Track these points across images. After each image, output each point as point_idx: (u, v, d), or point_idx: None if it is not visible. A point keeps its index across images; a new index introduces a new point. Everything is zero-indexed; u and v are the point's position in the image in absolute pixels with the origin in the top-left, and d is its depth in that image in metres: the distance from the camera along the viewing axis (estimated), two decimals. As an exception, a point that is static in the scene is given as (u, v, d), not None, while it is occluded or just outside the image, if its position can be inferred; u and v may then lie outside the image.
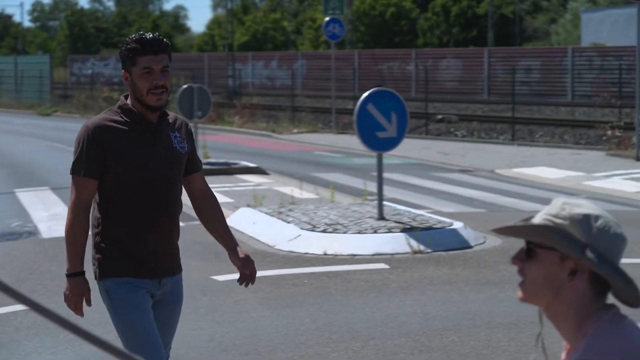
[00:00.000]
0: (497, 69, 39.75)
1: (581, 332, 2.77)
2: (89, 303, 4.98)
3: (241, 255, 5.12)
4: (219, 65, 52.39)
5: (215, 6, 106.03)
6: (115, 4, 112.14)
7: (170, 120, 5.10)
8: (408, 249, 11.31)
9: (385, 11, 59.64)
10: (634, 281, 2.73)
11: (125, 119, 4.97)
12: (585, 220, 2.76)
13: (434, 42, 56.54)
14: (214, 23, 79.82)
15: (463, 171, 20.77)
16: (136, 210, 4.92)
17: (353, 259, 10.87)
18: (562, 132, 28.83)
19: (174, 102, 20.51)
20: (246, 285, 5.17)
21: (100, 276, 4.99)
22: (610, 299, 2.76)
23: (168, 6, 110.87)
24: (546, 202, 2.73)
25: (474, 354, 7.22)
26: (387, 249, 11.15)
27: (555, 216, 2.81)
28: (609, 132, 25.03)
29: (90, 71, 57.37)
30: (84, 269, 4.95)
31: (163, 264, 5.00)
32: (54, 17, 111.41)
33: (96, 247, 5.02)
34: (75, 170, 4.98)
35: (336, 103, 34.38)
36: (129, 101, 5.01)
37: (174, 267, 5.09)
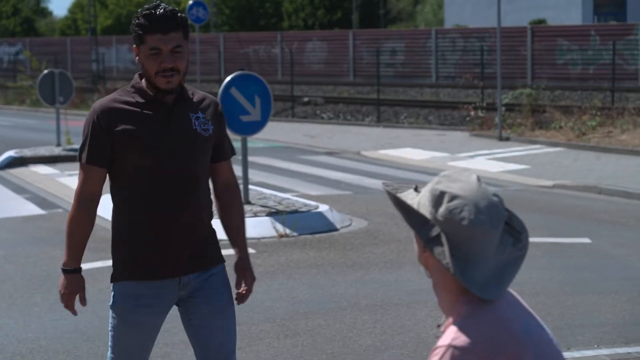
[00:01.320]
0: (362, 51, 39.94)
1: (454, 312, 2.73)
2: (83, 302, 4.49)
3: (244, 270, 4.63)
4: (82, 49, 51.34)
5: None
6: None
7: (195, 100, 4.55)
8: (274, 233, 11.31)
9: (250, -6, 59.53)
10: (469, 273, 2.68)
11: (138, 99, 4.43)
12: (439, 197, 2.71)
13: (299, 25, 56.54)
14: (77, 7, 78.23)
15: (329, 153, 20.81)
16: (149, 201, 4.39)
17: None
18: (427, 113, 29.15)
19: (36, 87, 20.07)
20: (238, 303, 4.65)
21: (111, 279, 4.51)
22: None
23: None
24: (411, 183, 2.68)
25: (339, 337, 7.21)
26: (253, 233, 11.07)
27: (426, 186, 2.78)
28: (472, 113, 25.44)
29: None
30: (81, 266, 4.48)
31: (183, 260, 4.44)
32: None
33: (112, 244, 4.55)
34: (80, 156, 4.45)
35: (202, 87, 34.13)
36: (143, 80, 4.48)
37: (201, 262, 4.50)
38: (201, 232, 4.50)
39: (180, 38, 4.39)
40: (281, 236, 11.22)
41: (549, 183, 16.05)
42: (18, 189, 15.73)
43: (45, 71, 19.85)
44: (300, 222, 11.54)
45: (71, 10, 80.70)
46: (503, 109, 22.92)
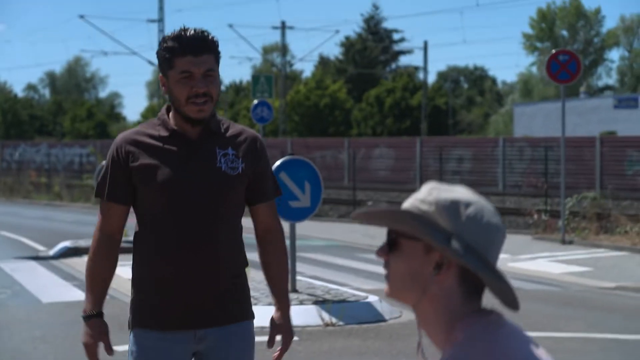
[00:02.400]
0: (429, 158, 39.75)
1: (451, 338, 2.37)
2: (108, 350, 4.08)
3: (280, 325, 4.24)
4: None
5: (150, 95, 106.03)
6: (50, 92, 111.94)
7: (228, 134, 4.17)
8: (320, 322, 10.91)
9: (320, 101, 59.82)
10: (506, 277, 2.34)
11: (161, 132, 4.09)
12: (453, 207, 2.37)
13: (367, 133, 56.69)
14: (149, 111, 79.51)
15: (388, 253, 20.43)
16: (163, 244, 4.02)
17: (262, 331, 10.40)
18: (491, 218, 28.62)
19: (93, 179, 20.05)
20: (270, 346, 4.26)
21: (128, 326, 4.15)
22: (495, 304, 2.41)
23: (103, 94, 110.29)
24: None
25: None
26: (298, 321, 10.69)
27: (422, 201, 2.43)
28: (535, 217, 24.99)
29: (18, 154, 56.69)
30: (102, 311, 4.08)
31: (197, 312, 4.06)
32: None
33: (131, 288, 4.20)
34: (98, 192, 4.14)
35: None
36: (170, 114, 4.14)
37: (220, 316, 4.10)
38: (223, 281, 4.10)
39: (212, 62, 4.05)
40: (327, 325, 10.84)
41: (611, 285, 15.58)
42: (68, 277, 15.60)
43: (104, 162, 19.85)
44: (347, 312, 11.16)
45: (144, 115, 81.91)
46: (567, 212, 22.45)
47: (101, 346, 4.10)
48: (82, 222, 27.66)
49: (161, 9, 50.47)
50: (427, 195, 2.42)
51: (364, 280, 15.59)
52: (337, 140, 45.55)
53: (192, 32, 4.02)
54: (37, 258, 18.27)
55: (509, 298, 2.40)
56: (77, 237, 20.89)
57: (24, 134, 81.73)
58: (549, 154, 31.64)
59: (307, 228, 22.44)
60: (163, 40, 4.08)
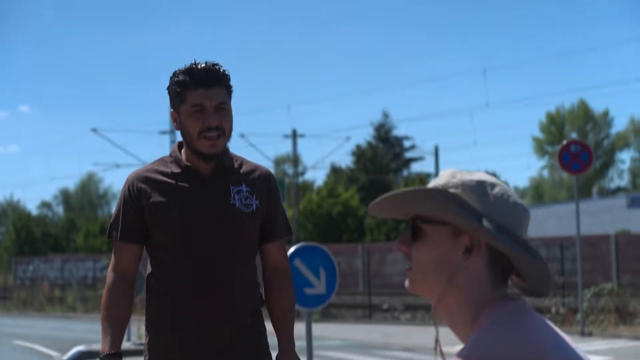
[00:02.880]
0: (443, 260, 39.55)
1: (476, 325, 2.27)
2: None
3: None
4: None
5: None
6: (64, 209, 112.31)
7: (242, 170, 4.09)
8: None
9: (332, 210, 59.82)
10: (543, 257, 2.26)
11: (173, 169, 4.01)
12: (480, 187, 2.29)
13: (381, 239, 56.47)
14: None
15: (405, 349, 20.19)
16: (175, 282, 3.94)
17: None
18: (508, 317, 28.36)
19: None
20: None
21: None
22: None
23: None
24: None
25: None
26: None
27: (445, 185, 2.34)
28: (553, 309, 24.73)
29: (31, 268, 56.57)
30: (120, 351, 3.95)
31: (217, 352, 3.94)
32: (0, 223, 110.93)
33: (145, 331, 4.08)
34: (110, 232, 4.07)
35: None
36: (182, 150, 4.06)
37: (238, 356, 3.98)
38: (239, 320, 3.98)
39: (224, 95, 3.97)
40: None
41: (634, 372, 15.29)
42: (83, 379, 15.40)
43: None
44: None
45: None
46: (585, 304, 22.20)
47: None
48: (96, 330, 27.37)
49: (173, 120, 50.93)
50: (450, 178, 2.34)
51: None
52: (351, 246, 45.41)
53: (204, 65, 3.96)
54: (51, 363, 18.09)
55: (545, 279, 2.30)
56: (92, 342, 20.70)
57: (38, 251, 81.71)
58: (565, 253, 31.45)
59: (322, 329, 22.22)
60: (174, 75, 4.01)
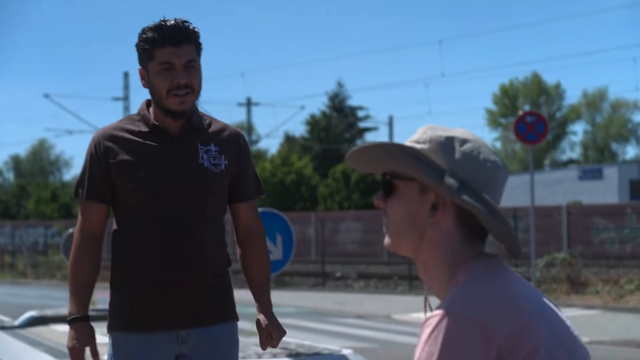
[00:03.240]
0: (396, 230, 39.70)
1: (452, 282, 2.24)
2: (94, 355, 3.84)
3: (267, 326, 4.08)
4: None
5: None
6: (15, 176, 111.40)
7: (211, 130, 4.02)
8: (294, 375, 10.73)
9: (286, 178, 59.82)
10: (505, 217, 2.22)
11: (141, 128, 3.93)
12: (448, 143, 2.24)
13: (334, 208, 56.54)
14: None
15: (359, 317, 20.25)
16: (143, 242, 3.87)
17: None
18: (460, 284, 28.55)
19: (60, 249, 19.77)
20: (263, 348, 4.12)
21: (107, 328, 3.95)
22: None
23: (68, 176, 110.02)
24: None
25: None
26: (271, 374, 10.53)
27: (416, 141, 2.31)
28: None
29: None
30: (88, 314, 3.89)
31: (180, 312, 3.88)
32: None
33: (110, 290, 4.01)
34: (77, 191, 3.97)
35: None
36: (151, 109, 3.98)
37: (204, 316, 3.94)
38: (206, 281, 3.92)
39: (194, 52, 3.88)
40: (301, 377, 10.66)
41: (586, 339, 15.41)
42: (35, 344, 15.25)
43: (71, 230, 19.64)
44: (321, 364, 10.97)
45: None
46: (538, 274, 22.39)
47: (87, 351, 3.90)
48: (48, 296, 27.25)
49: (126, 87, 50.60)
50: (421, 134, 2.31)
51: (338, 341, 15.37)
52: (304, 214, 45.45)
53: (172, 22, 3.88)
54: (2, 328, 17.91)
55: (509, 241, 2.27)
56: (44, 308, 20.55)
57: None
58: (518, 224, 31.72)
59: (277, 297, 22.19)
60: (142, 32, 3.92)
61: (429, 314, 2.19)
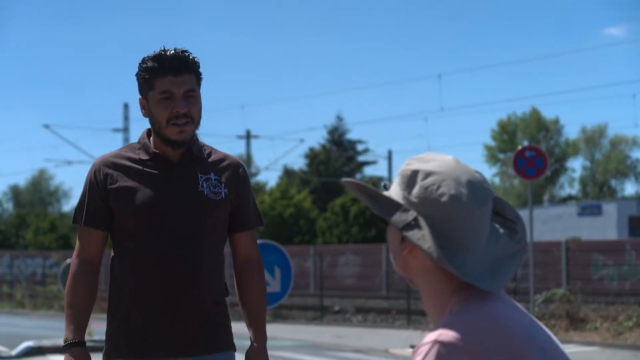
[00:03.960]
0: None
1: (446, 311, 2.25)
2: None
3: (259, 356, 4.04)
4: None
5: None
6: (14, 206, 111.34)
7: (210, 159, 4.03)
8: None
9: (284, 211, 59.83)
10: (459, 251, 2.21)
11: (141, 156, 3.95)
12: (412, 177, 2.27)
13: (333, 241, 56.54)
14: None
15: (357, 351, 20.19)
16: (140, 270, 3.87)
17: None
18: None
19: (58, 281, 19.71)
20: None
21: (103, 355, 3.96)
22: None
23: (67, 207, 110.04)
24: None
25: None
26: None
27: (399, 171, 2.35)
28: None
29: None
30: (85, 340, 3.86)
31: (177, 340, 3.87)
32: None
33: (107, 316, 4.01)
34: (75, 218, 3.97)
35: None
36: (151, 138, 4.00)
37: (199, 345, 3.91)
38: (204, 309, 3.91)
39: (193, 82, 3.90)
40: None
41: (585, 376, 15.39)
42: (32, 374, 15.25)
43: (68, 260, 19.62)
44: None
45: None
46: (537, 310, 22.33)
47: None
48: (45, 327, 27.17)
49: (126, 118, 50.74)
50: (404, 165, 2.34)
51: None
52: (302, 247, 45.40)
53: (172, 51, 3.91)
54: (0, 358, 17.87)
55: (460, 275, 2.26)
56: (41, 338, 20.50)
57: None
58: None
59: (274, 330, 22.15)
60: (142, 61, 3.95)
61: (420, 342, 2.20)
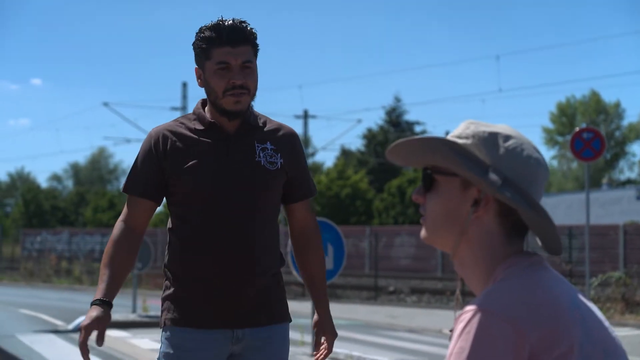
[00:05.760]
0: (451, 245, 39.44)
1: (490, 280, 2.24)
2: (99, 340, 3.71)
3: (322, 329, 4.11)
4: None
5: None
6: (74, 183, 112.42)
7: (266, 129, 4.03)
8: (342, 385, 10.73)
9: (341, 192, 59.82)
10: (548, 213, 2.21)
11: (197, 126, 3.95)
12: (491, 139, 2.24)
13: (389, 222, 56.46)
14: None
15: (410, 330, 20.19)
16: (200, 240, 3.88)
17: None
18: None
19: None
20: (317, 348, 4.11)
21: (161, 322, 3.98)
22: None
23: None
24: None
25: None
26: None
27: (458, 136, 2.31)
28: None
29: (39, 240, 56.73)
30: (112, 302, 3.82)
31: (236, 311, 3.89)
32: (10, 194, 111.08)
33: (164, 285, 4.03)
34: (127, 186, 3.97)
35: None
36: (206, 108, 4.01)
37: (258, 316, 3.94)
38: (261, 281, 3.92)
39: (250, 53, 3.89)
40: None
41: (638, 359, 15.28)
42: (88, 348, 15.40)
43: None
44: (369, 375, 10.96)
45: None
46: (592, 292, 22.16)
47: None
48: (102, 302, 27.42)
49: (184, 97, 50.90)
50: (464, 129, 2.31)
51: (387, 353, 15.34)
52: (358, 228, 45.40)
53: (230, 22, 3.90)
54: (56, 332, 18.09)
55: (551, 238, 2.27)
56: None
57: (46, 224, 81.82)
58: (573, 242, 31.41)
59: (328, 308, 22.19)
60: (200, 31, 3.94)
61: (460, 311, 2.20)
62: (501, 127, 2.30)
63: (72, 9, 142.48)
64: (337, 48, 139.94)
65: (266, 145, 4.00)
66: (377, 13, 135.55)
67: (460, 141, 2.28)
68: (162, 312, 4.04)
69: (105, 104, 48.29)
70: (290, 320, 4.13)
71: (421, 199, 2.35)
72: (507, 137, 2.26)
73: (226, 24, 3.89)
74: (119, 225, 4.00)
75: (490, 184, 2.19)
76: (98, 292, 3.85)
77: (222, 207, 3.88)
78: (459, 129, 2.33)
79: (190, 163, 3.91)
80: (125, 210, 4.01)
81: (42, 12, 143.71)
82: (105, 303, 3.81)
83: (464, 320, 2.10)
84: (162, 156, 3.95)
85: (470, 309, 2.11)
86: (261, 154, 3.96)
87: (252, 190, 3.92)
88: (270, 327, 3.99)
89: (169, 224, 4.06)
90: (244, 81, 3.88)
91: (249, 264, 3.90)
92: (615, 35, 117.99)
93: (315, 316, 4.17)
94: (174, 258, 4.00)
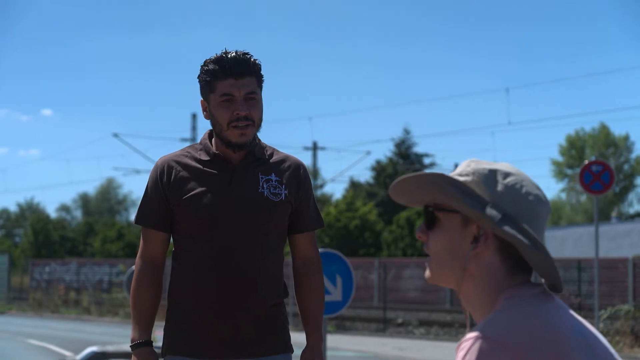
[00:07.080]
0: (459, 278, 39.34)
1: (492, 310, 2.26)
2: None
3: (314, 357, 4.07)
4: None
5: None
6: (82, 214, 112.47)
7: (272, 160, 4.06)
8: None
9: (350, 223, 59.78)
10: (547, 250, 2.23)
11: (203, 156, 3.98)
12: (491, 176, 2.28)
13: (398, 255, 56.39)
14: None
15: (418, 363, 20.13)
16: (201, 270, 3.89)
17: None
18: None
19: (124, 288, 19.89)
20: None
21: (162, 351, 4.00)
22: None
23: (134, 216, 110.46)
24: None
25: None
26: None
27: (459, 174, 2.35)
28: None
29: (48, 270, 56.69)
30: (151, 340, 3.95)
31: (236, 341, 3.91)
32: (19, 224, 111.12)
33: (167, 313, 4.06)
34: (138, 219, 4.02)
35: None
36: (212, 139, 4.04)
37: (256, 347, 3.94)
38: (261, 311, 3.93)
39: (254, 84, 3.92)
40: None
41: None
42: (96, 379, 15.39)
43: (133, 267, 19.76)
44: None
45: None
46: (601, 325, 22.08)
47: None
48: (110, 333, 27.45)
49: (194, 128, 51.01)
50: (465, 167, 2.35)
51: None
52: (367, 260, 45.32)
53: (233, 54, 3.94)
54: (64, 362, 18.09)
55: (551, 274, 2.28)
56: (106, 344, 20.68)
57: (55, 254, 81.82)
58: (582, 275, 31.33)
59: (337, 341, 22.18)
60: (204, 64, 3.99)
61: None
62: (502, 165, 2.33)
63: (82, 41, 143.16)
64: (347, 80, 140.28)
65: (270, 176, 4.03)
66: (386, 45, 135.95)
67: (460, 178, 2.31)
68: (163, 341, 4.07)
69: (115, 135, 48.43)
70: (292, 351, 4.12)
71: (424, 237, 2.38)
72: (507, 174, 2.29)
73: (229, 56, 3.94)
74: (138, 262, 4.05)
75: (489, 219, 2.22)
76: (134, 334, 3.94)
77: (223, 237, 3.90)
78: (460, 167, 2.37)
79: (193, 192, 3.94)
80: (141, 244, 4.06)
81: (52, 44, 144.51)
82: (144, 344, 3.91)
83: (464, 348, 2.13)
84: (166, 186, 3.99)
85: (470, 336, 2.13)
86: (265, 185, 3.99)
87: (253, 221, 3.94)
88: (271, 357, 4.00)
89: (173, 253, 4.10)
90: (248, 112, 3.91)
91: (249, 294, 3.92)
92: (624, 69, 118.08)
93: (308, 348, 4.14)
94: (176, 286, 4.03)
